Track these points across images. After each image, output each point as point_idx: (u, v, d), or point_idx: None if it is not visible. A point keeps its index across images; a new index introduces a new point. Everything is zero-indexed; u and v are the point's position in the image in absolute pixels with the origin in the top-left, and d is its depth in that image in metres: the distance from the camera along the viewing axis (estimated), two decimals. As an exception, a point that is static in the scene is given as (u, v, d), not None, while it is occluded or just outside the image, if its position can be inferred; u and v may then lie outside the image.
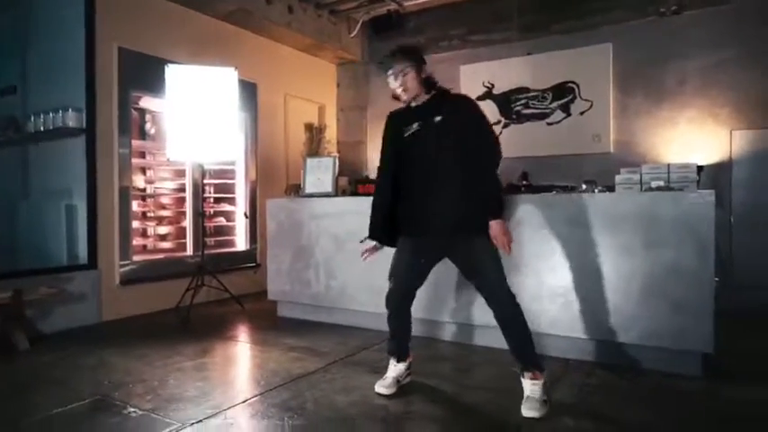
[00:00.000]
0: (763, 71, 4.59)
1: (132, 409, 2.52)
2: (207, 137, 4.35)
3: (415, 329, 2.92)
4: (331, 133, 6.35)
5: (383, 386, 2.72)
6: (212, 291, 4.83)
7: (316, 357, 3.32)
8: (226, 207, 5.55)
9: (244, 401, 2.62)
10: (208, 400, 2.66)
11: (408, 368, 2.84)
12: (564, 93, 5.42)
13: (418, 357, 2.99)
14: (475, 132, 2.54)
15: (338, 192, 4.32)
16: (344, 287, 4.10)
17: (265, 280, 5.45)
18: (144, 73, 4.52)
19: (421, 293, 2.80)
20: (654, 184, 3.20)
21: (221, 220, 5.52)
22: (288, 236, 4.40)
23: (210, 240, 5.30)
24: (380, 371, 3.01)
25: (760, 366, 3.16)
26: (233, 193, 5.62)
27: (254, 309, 4.83)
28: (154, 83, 4.56)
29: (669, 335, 2.97)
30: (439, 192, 2.54)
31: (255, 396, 2.69)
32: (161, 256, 4.90)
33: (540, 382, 2.48)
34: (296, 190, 4.61)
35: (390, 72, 2.60)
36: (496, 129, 5.80)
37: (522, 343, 2.54)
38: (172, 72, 4.29)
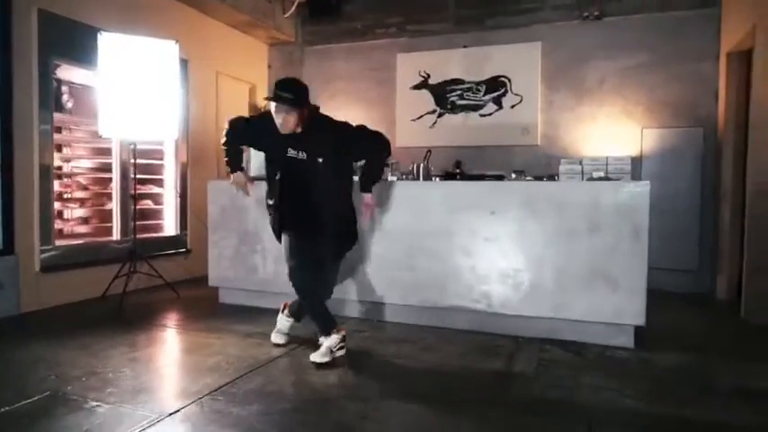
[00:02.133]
0: (669, 76, 5.15)
1: (95, 403, 2.34)
2: (143, 113, 4.05)
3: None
4: None
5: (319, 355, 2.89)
6: (142, 278, 4.54)
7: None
8: (153, 189, 5.20)
9: (218, 389, 2.53)
10: (177, 389, 2.54)
11: (342, 339, 3.00)
12: (497, 86, 5.70)
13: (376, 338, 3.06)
14: (354, 143, 3.02)
15: (284, 175, 4.24)
16: (294, 272, 4.04)
17: (197, 266, 5.27)
18: (66, 40, 4.10)
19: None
20: (595, 174, 3.51)
21: (148, 203, 5.17)
22: (232, 220, 4.25)
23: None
24: (348, 354, 3.05)
25: (678, 337, 3.60)
26: (160, 174, 5.28)
27: (190, 296, 4.61)
28: (76, 51, 4.15)
29: (608, 311, 3.29)
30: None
31: (228, 383, 2.60)
32: (84, 240, 4.50)
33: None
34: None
35: (275, 107, 2.83)
36: (431, 118, 5.97)
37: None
38: (105, 41, 3.93)
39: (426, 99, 5.94)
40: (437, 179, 4.27)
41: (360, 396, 2.50)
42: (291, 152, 2.90)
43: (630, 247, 3.24)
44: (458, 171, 5.27)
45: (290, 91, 2.81)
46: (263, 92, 6.49)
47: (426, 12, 5.94)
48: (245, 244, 4.21)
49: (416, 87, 5.96)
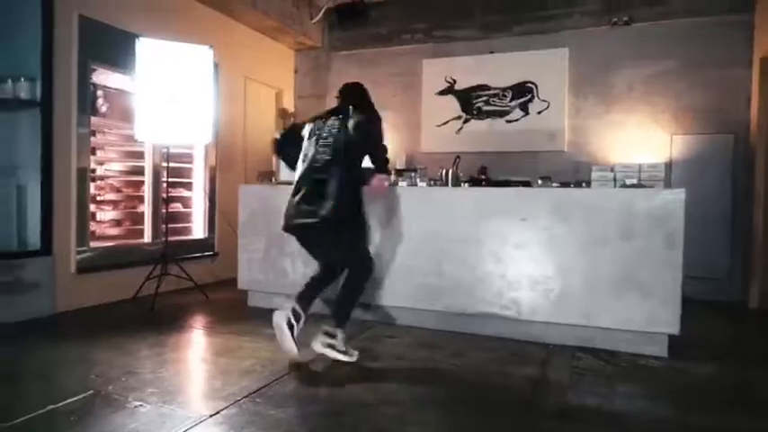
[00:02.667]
0: (696, 83, 5.09)
1: (137, 403, 2.39)
2: (178, 118, 4.13)
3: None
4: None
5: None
6: (171, 280, 4.61)
7: (307, 347, 3.29)
8: (183, 192, 5.29)
9: (256, 391, 2.56)
10: (215, 390, 2.58)
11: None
12: (523, 92, 5.69)
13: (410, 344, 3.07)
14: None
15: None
16: (323, 276, 4.08)
17: (224, 269, 5.34)
18: (101, 44, 4.19)
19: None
20: (628, 181, 3.48)
21: (178, 206, 5.25)
22: (262, 224, 4.30)
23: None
24: (379, 358, 3.08)
25: (711, 346, 3.55)
26: (190, 178, 5.37)
27: (219, 299, 4.68)
28: (111, 55, 4.25)
29: (641, 319, 3.26)
30: None
31: (265, 386, 2.64)
32: (117, 243, 4.59)
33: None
34: (268, 177, 4.50)
35: None
36: (457, 123, 5.98)
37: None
38: (143, 46, 4.01)
39: (452, 105, 5.95)
40: (466, 185, 4.27)
41: (396, 401, 2.51)
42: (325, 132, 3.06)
43: (664, 254, 3.21)
44: (483, 177, 5.27)
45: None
46: (289, 97, 6.58)
47: (452, 18, 5.96)
48: (274, 247, 4.25)
49: (442, 93, 5.97)
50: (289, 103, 6.54)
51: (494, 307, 3.59)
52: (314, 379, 2.80)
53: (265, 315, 4.10)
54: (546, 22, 5.58)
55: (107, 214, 4.66)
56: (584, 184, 4.26)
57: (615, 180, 3.56)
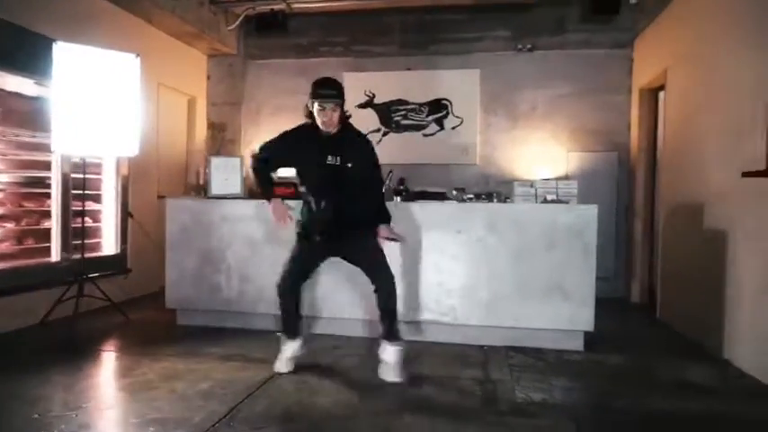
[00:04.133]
0: (588, 106, 5.80)
1: (103, 439, 2.26)
2: (100, 128, 3.85)
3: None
4: (234, 132, 6.05)
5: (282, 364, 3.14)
6: (82, 300, 4.26)
7: (260, 364, 3.28)
8: (93, 206, 4.89)
9: (227, 415, 2.53)
10: (184, 419, 2.50)
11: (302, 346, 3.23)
12: (439, 108, 6.06)
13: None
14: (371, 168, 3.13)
15: (245, 193, 4.26)
16: (262, 291, 4.05)
17: (137, 286, 5.07)
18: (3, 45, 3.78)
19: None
20: (549, 197, 3.91)
21: (87, 221, 4.85)
22: (194, 239, 4.16)
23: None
24: (340, 371, 3.17)
25: (615, 339, 4.08)
26: (99, 189, 4.98)
27: (142, 319, 4.42)
28: (17, 58, 3.85)
29: (563, 319, 3.69)
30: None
31: (233, 408, 2.61)
32: (14, 263, 4.12)
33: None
34: (197, 190, 4.36)
35: (320, 107, 2.89)
36: (376, 136, 6.18)
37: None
38: (61, 51, 3.69)
39: (372, 118, 6.15)
40: (397, 198, 4.48)
41: (371, 411, 2.63)
42: (330, 159, 2.95)
43: (582, 262, 3.67)
44: (402, 188, 5.53)
45: (334, 88, 2.91)
46: (202, 104, 6.34)
47: (372, 34, 6.17)
48: (208, 263, 4.13)
49: (362, 106, 6.14)
50: (201, 111, 6.31)
51: (433, 314, 3.83)
52: (280, 397, 2.81)
53: (201, 334, 4.00)
54: (460, 44, 5.99)
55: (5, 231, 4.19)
56: (495, 196, 4.71)
57: (536, 195, 3.97)
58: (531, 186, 4.04)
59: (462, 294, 3.80)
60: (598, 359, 3.56)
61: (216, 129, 4.56)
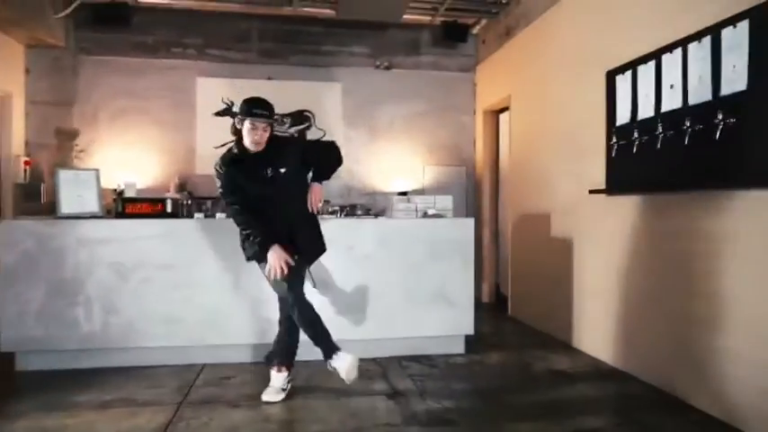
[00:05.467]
0: (440, 123, 6.31)
1: None
2: None
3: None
4: (86, 140, 5.11)
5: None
6: None
7: (149, 407, 2.91)
8: None
9: (142, 474, 2.20)
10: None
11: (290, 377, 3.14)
12: (302, 120, 5.99)
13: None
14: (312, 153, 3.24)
15: (103, 211, 3.74)
16: (132, 323, 3.58)
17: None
18: None
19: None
20: (429, 211, 4.16)
21: None
22: (39, 268, 3.50)
23: None
24: (238, 403, 2.99)
25: (484, 338, 4.50)
26: None
27: (-38, 368, 3.55)
28: None
29: (448, 325, 3.97)
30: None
31: (145, 465, 2.28)
32: None
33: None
34: (45, 209, 3.67)
35: (251, 126, 2.87)
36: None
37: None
38: None
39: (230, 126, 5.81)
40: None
41: (294, 444, 2.52)
42: (269, 172, 2.93)
43: (462, 272, 3.99)
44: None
45: (267, 108, 2.94)
46: (20, 101, 5.33)
47: (228, 39, 5.85)
48: (60, 295, 3.51)
49: (220, 114, 5.78)
50: (19, 110, 5.29)
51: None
52: (191, 443, 2.54)
53: (58, 379, 3.35)
54: (321, 57, 6.02)
55: None
56: (359, 208, 4.88)
57: (417, 210, 4.20)
58: (409, 201, 4.26)
59: (355, 310, 3.84)
60: (480, 359, 3.91)
61: (65, 136, 3.86)
